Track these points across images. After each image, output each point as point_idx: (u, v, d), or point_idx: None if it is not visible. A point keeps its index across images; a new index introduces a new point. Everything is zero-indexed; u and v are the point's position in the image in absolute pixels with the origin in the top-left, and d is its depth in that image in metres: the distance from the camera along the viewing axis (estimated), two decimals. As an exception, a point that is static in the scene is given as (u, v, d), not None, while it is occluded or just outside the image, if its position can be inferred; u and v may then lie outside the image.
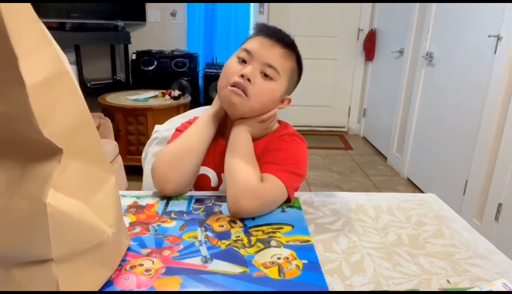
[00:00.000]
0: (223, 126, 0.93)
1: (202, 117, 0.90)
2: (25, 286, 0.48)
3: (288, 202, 0.83)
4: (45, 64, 0.43)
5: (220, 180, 0.93)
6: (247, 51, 0.84)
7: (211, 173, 0.92)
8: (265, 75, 0.84)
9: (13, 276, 0.47)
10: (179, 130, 0.94)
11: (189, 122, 0.96)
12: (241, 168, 0.79)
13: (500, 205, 1.92)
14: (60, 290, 0.48)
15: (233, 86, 0.83)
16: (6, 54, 0.39)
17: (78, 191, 0.49)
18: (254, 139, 0.88)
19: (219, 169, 0.92)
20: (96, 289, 0.55)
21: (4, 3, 0.38)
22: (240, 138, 0.85)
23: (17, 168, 0.45)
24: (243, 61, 0.85)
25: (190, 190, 0.88)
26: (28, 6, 0.41)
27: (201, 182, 0.92)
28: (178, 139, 0.88)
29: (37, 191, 0.44)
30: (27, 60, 0.40)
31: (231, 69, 0.85)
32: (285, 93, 0.89)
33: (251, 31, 0.91)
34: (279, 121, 0.96)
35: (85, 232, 0.50)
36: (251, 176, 0.78)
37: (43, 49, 0.43)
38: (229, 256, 0.64)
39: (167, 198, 0.84)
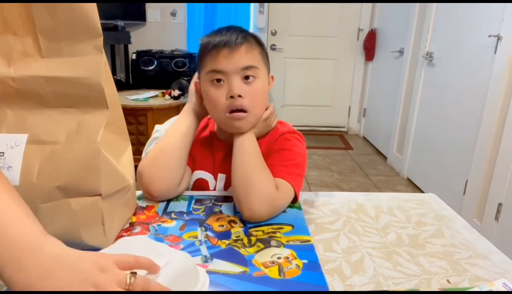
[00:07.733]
0: (218, 129, 0.93)
1: (179, 115, 0.89)
2: (78, 214, 0.60)
3: (294, 202, 0.83)
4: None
5: (218, 183, 0.93)
6: (217, 71, 0.80)
7: (209, 177, 0.92)
8: (247, 78, 0.80)
9: (70, 205, 0.59)
10: None
11: None
12: (255, 174, 0.78)
13: (500, 205, 1.92)
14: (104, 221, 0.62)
15: (231, 112, 0.81)
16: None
17: (110, 148, 0.62)
18: (258, 138, 0.88)
19: (217, 172, 0.92)
20: (121, 227, 0.70)
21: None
22: (246, 140, 0.83)
23: (74, 122, 0.60)
24: (218, 81, 0.80)
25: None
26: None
27: (199, 187, 0.92)
28: (159, 141, 0.88)
29: (92, 134, 0.59)
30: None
31: (216, 95, 0.81)
32: (268, 76, 0.87)
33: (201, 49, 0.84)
34: None
35: (118, 176, 0.64)
36: (267, 183, 0.77)
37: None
38: (229, 255, 0.64)
39: (166, 199, 0.83)
